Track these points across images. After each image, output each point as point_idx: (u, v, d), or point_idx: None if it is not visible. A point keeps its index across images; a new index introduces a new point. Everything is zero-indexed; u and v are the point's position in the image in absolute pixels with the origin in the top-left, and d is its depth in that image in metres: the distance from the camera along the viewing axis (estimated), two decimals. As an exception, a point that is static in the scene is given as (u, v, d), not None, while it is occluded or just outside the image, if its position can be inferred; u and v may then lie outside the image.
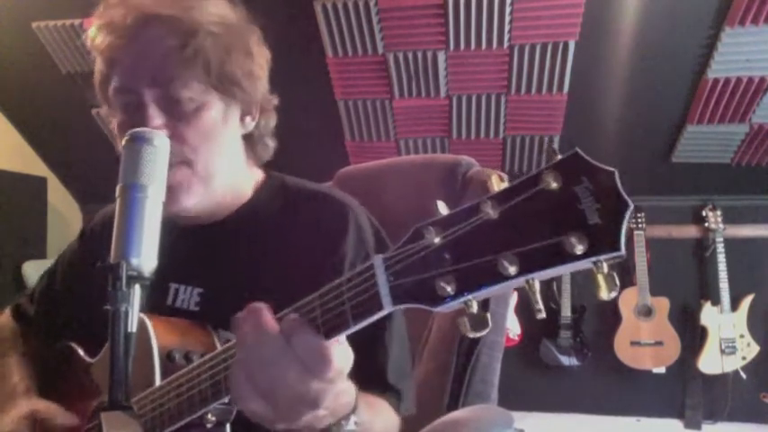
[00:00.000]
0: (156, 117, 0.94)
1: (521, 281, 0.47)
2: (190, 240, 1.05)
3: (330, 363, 0.61)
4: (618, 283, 0.45)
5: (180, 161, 0.96)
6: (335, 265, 0.97)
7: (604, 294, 0.45)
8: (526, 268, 0.47)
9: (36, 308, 1.25)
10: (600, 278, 0.45)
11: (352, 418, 0.71)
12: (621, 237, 0.43)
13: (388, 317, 0.96)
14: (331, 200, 1.07)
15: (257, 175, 1.13)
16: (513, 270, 0.47)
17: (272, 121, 1.11)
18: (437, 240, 0.52)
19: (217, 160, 1.00)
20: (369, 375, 0.80)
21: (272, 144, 1.13)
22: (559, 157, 0.47)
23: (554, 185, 0.46)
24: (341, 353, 0.63)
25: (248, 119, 1.07)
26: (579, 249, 0.44)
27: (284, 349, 0.62)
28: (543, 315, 0.48)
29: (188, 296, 1.04)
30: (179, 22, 0.96)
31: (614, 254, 0.44)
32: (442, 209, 0.52)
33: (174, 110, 0.96)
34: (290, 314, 0.65)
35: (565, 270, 0.46)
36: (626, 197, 0.44)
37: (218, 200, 1.04)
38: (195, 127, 0.97)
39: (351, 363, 0.66)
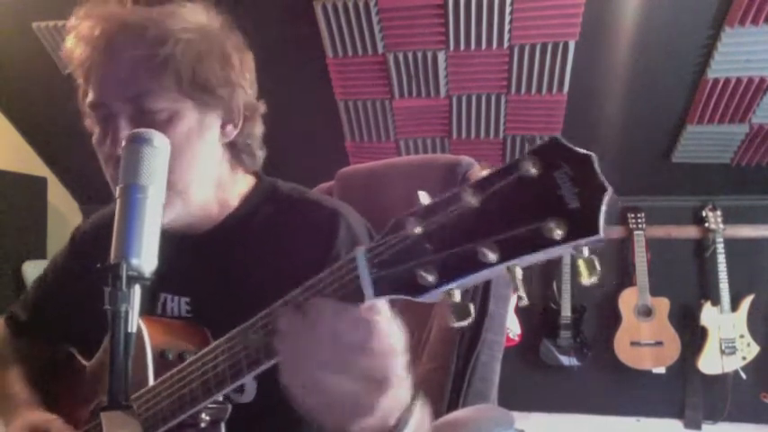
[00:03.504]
0: (125, 128, 0.92)
1: (501, 268, 0.47)
2: (179, 250, 1.01)
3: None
4: (598, 267, 0.45)
5: None
6: (329, 265, 0.94)
7: (585, 279, 0.45)
8: (506, 255, 0.47)
9: (28, 314, 1.24)
10: (580, 263, 0.45)
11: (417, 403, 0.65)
12: (600, 220, 0.43)
13: None
14: (320, 206, 1.05)
15: (246, 183, 1.11)
16: (493, 257, 0.47)
17: (257, 128, 1.08)
18: (418, 230, 0.51)
19: (192, 171, 0.98)
20: None
21: (260, 154, 1.10)
22: (539, 143, 0.47)
23: (533, 171, 0.45)
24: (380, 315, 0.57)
25: (230, 127, 1.04)
26: (558, 234, 0.44)
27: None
28: (526, 302, 0.48)
29: (176, 305, 1.04)
30: (146, 30, 0.93)
31: (593, 237, 0.44)
32: (423, 198, 0.52)
33: (146, 121, 0.93)
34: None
35: (545, 256, 0.46)
36: (604, 181, 0.44)
37: (201, 211, 1.03)
38: (168, 137, 0.95)
39: (398, 335, 0.59)
